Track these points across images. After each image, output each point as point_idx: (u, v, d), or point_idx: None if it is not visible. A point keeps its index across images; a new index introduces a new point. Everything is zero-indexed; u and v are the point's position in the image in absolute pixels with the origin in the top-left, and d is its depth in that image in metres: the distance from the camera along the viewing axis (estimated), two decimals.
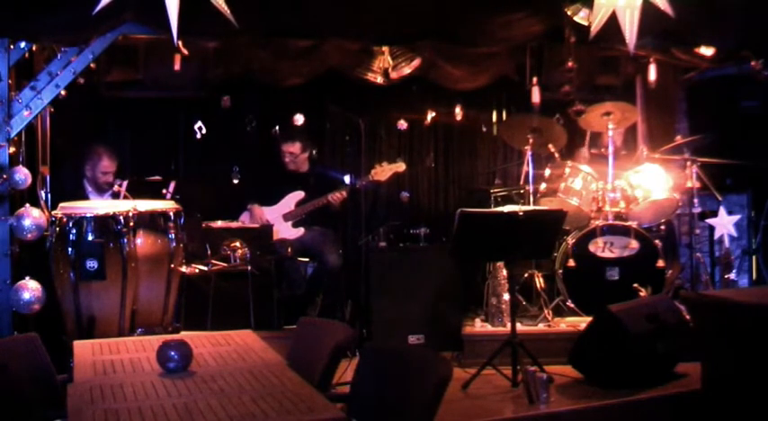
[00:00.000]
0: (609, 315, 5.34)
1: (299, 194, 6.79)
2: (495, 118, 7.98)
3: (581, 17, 5.10)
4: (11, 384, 3.34)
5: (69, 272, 5.06)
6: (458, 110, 7.60)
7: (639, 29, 4.60)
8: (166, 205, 5.51)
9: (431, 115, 7.61)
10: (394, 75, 6.71)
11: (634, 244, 6.32)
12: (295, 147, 6.81)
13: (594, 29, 4.68)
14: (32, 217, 4.95)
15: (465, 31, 5.57)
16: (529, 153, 6.68)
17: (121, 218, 5.12)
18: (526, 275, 6.61)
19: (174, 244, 5.34)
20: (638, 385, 5.19)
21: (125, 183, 6.20)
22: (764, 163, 6.81)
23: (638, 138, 7.43)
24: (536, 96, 6.77)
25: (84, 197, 6.22)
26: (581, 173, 6.56)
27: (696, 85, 7.43)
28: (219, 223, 6.28)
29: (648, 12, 4.60)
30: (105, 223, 5.13)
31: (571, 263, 6.32)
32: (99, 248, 5.03)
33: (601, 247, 6.35)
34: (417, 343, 6.06)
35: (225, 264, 5.87)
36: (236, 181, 7.37)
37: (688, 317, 5.54)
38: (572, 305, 6.33)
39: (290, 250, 6.52)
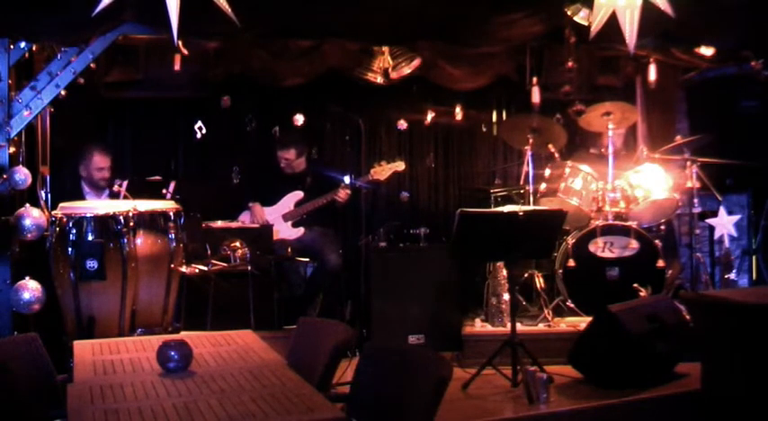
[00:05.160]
0: (609, 315, 5.34)
1: (299, 194, 6.79)
2: (495, 118, 7.98)
3: (581, 17, 5.09)
4: (11, 384, 3.34)
5: (69, 272, 5.05)
6: (458, 110, 7.59)
7: (639, 29, 4.59)
8: (166, 205, 5.51)
9: (431, 115, 7.61)
10: (394, 75, 6.71)
11: (634, 244, 6.32)
12: (290, 154, 6.81)
13: (594, 29, 4.68)
14: (32, 217, 4.95)
15: (465, 31, 5.57)
16: (529, 153, 6.69)
17: (121, 218, 5.12)
18: (526, 275, 6.61)
19: (174, 244, 5.33)
20: (638, 385, 5.19)
21: (125, 183, 6.19)
22: (764, 163, 6.81)
23: (638, 138, 7.44)
24: (536, 96, 6.76)
25: (82, 199, 6.21)
26: (581, 173, 6.56)
27: (696, 85, 7.43)
28: (219, 223, 6.27)
29: (648, 12, 4.59)
30: (105, 223, 5.12)
31: (571, 263, 6.32)
32: (99, 248, 5.02)
33: (601, 247, 6.35)
34: (417, 343, 6.05)
35: (225, 264, 5.86)
36: (236, 181, 7.38)
37: (688, 317, 5.55)
38: (572, 305, 6.33)
39: (289, 250, 6.53)
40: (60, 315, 5.21)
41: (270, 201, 6.80)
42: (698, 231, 6.86)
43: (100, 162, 6.21)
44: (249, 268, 5.86)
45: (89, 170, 6.24)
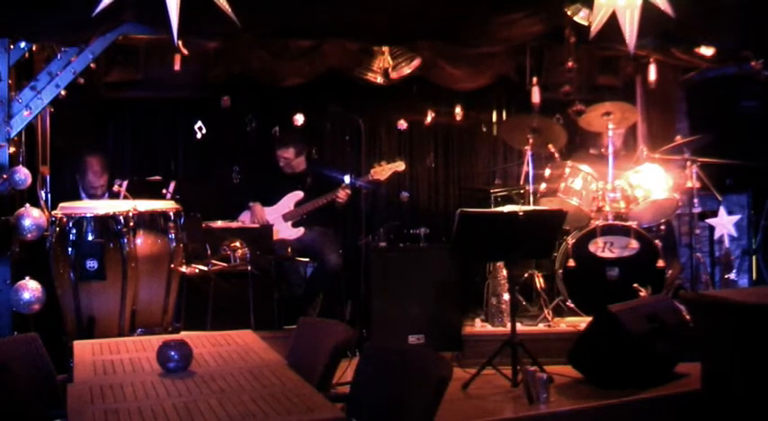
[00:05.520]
0: (609, 315, 5.34)
1: (298, 194, 6.79)
2: (495, 118, 7.99)
3: (581, 17, 5.10)
4: (11, 384, 3.34)
5: (69, 272, 5.05)
6: (458, 110, 7.60)
7: (639, 29, 4.60)
8: (166, 205, 5.51)
9: (431, 115, 7.61)
10: (394, 75, 6.71)
11: (634, 244, 6.32)
12: (289, 153, 6.82)
13: (594, 29, 4.68)
14: (32, 217, 4.95)
15: (465, 31, 5.57)
16: (529, 153, 6.69)
17: (121, 218, 5.12)
18: (526, 275, 6.61)
19: (174, 244, 5.34)
20: (638, 385, 5.19)
21: (125, 183, 6.20)
22: (764, 163, 6.81)
23: (638, 138, 7.44)
24: (536, 96, 6.77)
25: (81, 199, 6.21)
26: (581, 173, 6.57)
27: (696, 85, 7.43)
28: (219, 223, 6.28)
29: (648, 12, 4.59)
30: (105, 223, 5.13)
31: (571, 263, 6.32)
32: (99, 248, 5.02)
33: (601, 247, 6.35)
34: (417, 343, 6.05)
35: (225, 264, 5.86)
36: (236, 181, 7.39)
37: (688, 317, 5.55)
38: (572, 305, 6.33)
39: (289, 250, 6.52)
40: (60, 315, 5.22)
41: (270, 200, 6.80)
42: (698, 231, 6.86)
43: (93, 181, 6.24)
44: (249, 268, 5.86)
45: (83, 183, 6.27)
